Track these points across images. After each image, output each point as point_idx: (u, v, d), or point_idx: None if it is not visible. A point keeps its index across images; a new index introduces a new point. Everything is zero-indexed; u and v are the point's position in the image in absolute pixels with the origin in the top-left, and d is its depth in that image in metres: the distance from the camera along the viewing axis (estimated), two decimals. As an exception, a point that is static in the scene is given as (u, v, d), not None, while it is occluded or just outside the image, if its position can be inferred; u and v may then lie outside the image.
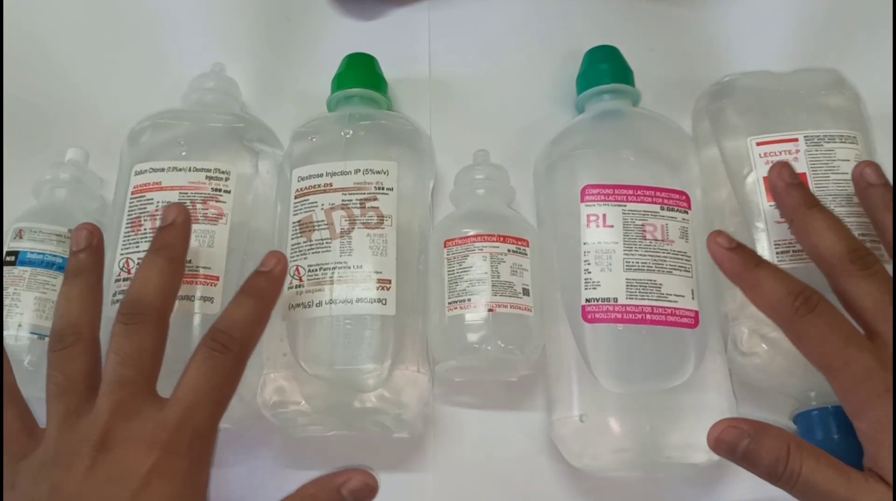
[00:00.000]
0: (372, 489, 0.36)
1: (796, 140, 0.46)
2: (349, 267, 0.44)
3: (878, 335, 0.36)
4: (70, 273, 0.40)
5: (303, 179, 0.47)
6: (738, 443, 0.35)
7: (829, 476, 0.33)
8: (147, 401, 0.36)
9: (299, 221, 0.46)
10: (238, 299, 0.39)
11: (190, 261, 0.44)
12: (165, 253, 0.40)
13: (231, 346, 0.37)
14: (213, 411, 0.37)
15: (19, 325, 0.45)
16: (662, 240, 0.44)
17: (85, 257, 0.40)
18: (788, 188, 0.40)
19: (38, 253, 0.47)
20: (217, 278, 0.44)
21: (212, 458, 0.37)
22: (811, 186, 0.45)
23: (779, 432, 0.35)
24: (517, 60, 0.58)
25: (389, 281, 0.44)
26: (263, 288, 0.40)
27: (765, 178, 0.46)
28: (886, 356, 0.35)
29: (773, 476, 0.34)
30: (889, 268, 0.38)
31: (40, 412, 0.39)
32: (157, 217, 0.45)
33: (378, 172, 0.46)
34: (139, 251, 0.44)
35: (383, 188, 0.46)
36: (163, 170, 0.46)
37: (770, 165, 0.46)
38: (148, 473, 0.34)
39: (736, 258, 0.38)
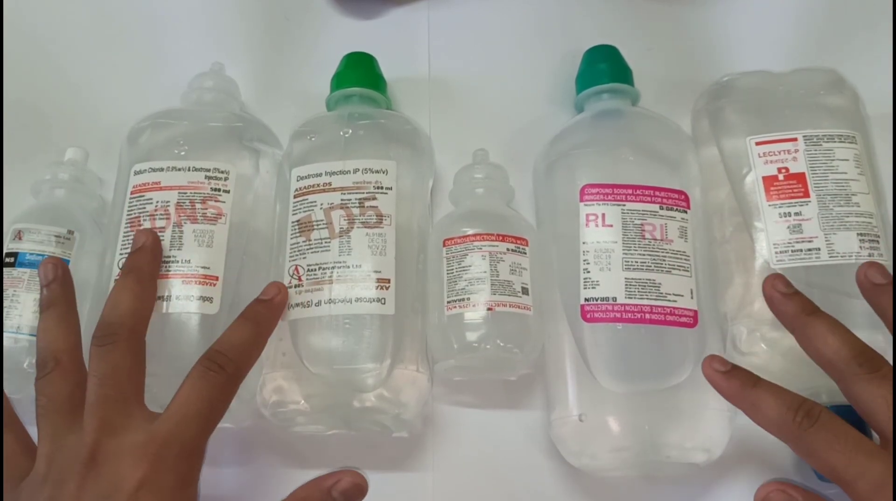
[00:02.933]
0: (361, 489, 0.37)
1: (795, 140, 0.46)
2: (348, 267, 0.44)
3: (893, 442, 0.34)
4: (44, 305, 0.41)
5: (302, 178, 0.47)
6: None
7: None
8: (133, 417, 0.37)
9: (298, 220, 0.46)
10: (237, 323, 0.41)
11: (189, 261, 0.44)
12: (134, 275, 0.42)
13: (226, 366, 0.39)
14: (203, 427, 0.38)
15: (18, 327, 0.45)
16: (661, 239, 0.44)
17: (56, 287, 0.42)
18: (785, 298, 0.39)
19: (38, 254, 0.47)
20: (216, 278, 0.44)
21: (199, 475, 0.38)
22: (810, 185, 0.45)
23: None
24: (516, 60, 0.58)
25: (388, 280, 0.44)
26: (262, 315, 0.42)
27: (764, 177, 0.46)
28: None
29: None
30: None
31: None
32: (157, 217, 0.45)
33: (377, 172, 0.46)
34: (138, 251, 0.44)
35: (382, 188, 0.46)
36: (162, 170, 0.46)
37: (769, 164, 0.46)
38: (137, 486, 0.35)
39: (733, 381, 0.37)
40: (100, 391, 0.37)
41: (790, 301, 0.39)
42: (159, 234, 0.44)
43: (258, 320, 0.42)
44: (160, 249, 0.44)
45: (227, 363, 0.39)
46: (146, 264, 0.43)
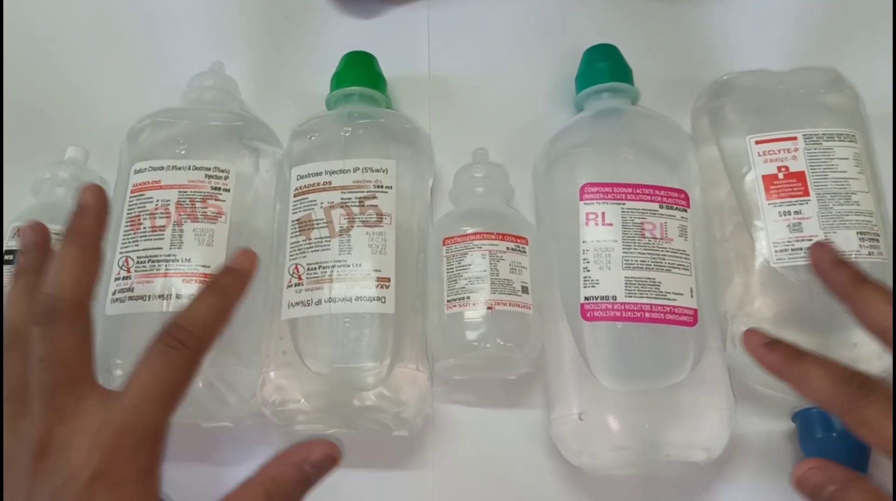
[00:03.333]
0: (334, 459, 0.34)
1: (795, 139, 0.46)
2: (348, 265, 0.44)
3: None
4: (15, 276, 0.38)
5: (302, 177, 0.47)
6: (824, 487, 0.33)
7: None
8: (85, 399, 0.34)
9: (298, 219, 0.46)
10: (202, 294, 0.36)
11: (189, 260, 0.44)
12: (77, 241, 0.37)
13: (188, 342, 0.34)
14: (164, 411, 0.34)
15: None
16: (661, 238, 0.44)
17: (28, 259, 0.38)
18: (836, 267, 0.38)
19: (38, 252, 0.46)
20: (216, 277, 0.44)
21: (162, 458, 0.34)
22: (810, 184, 0.45)
23: (871, 488, 0.33)
24: (516, 59, 0.58)
25: (388, 279, 0.44)
26: (229, 285, 0.37)
27: (763, 176, 0.46)
28: None
29: None
30: None
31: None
32: (157, 215, 0.45)
33: (377, 171, 0.46)
34: (138, 250, 0.44)
35: (382, 186, 0.46)
36: (162, 168, 0.47)
37: (769, 163, 0.46)
38: (90, 479, 0.31)
39: (776, 354, 0.36)
40: (45, 377, 0.34)
41: (841, 269, 0.37)
42: (159, 233, 0.44)
43: (225, 290, 0.37)
44: (106, 206, 0.38)
45: (188, 338, 0.34)
46: (90, 226, 0.37)
